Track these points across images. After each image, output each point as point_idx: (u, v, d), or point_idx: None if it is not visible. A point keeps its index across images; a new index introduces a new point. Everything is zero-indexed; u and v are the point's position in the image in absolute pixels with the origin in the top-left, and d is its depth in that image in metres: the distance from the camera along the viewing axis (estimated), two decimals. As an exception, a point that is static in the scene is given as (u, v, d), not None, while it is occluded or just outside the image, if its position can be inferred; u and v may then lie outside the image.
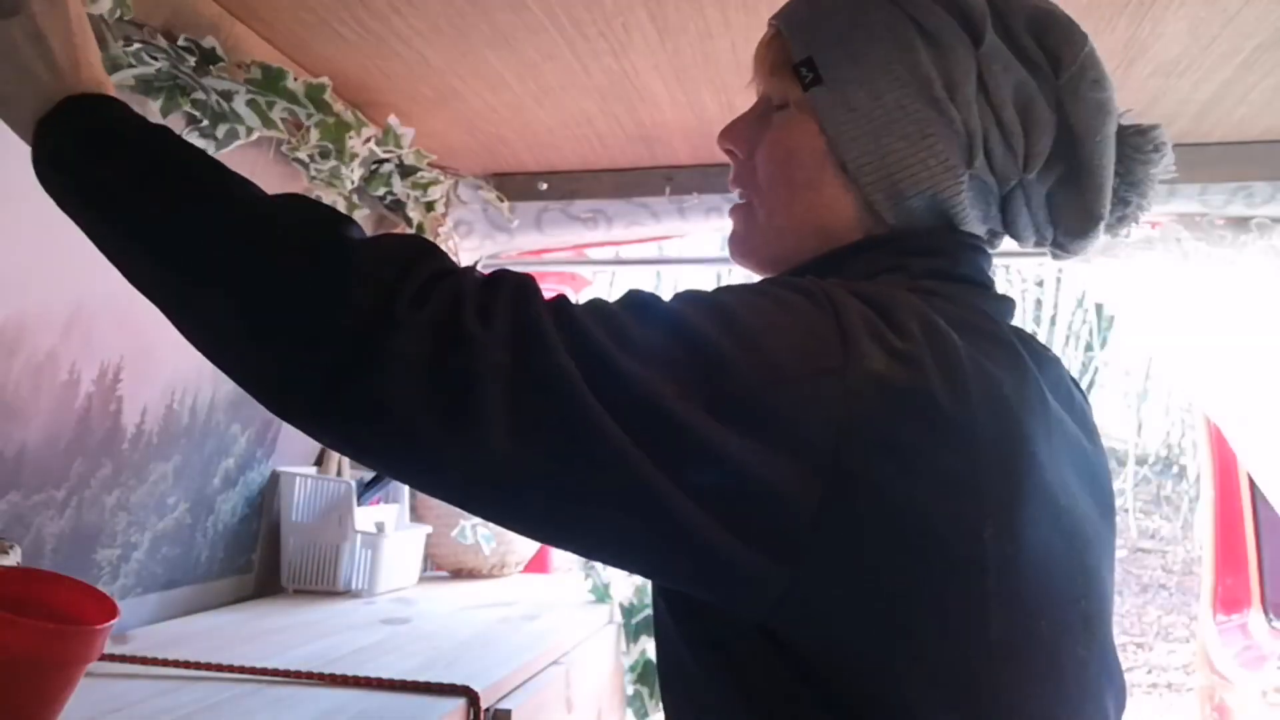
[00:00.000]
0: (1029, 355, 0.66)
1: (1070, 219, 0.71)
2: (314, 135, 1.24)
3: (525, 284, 0.57)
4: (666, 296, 0.60)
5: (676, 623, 0.64)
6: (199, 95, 1.09)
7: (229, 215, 0.58)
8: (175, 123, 1.09)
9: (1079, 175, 0.69)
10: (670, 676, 0.68)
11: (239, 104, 1.12)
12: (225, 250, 0.57)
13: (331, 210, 0.60)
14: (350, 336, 0.53)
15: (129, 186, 0.60)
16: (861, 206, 0.70)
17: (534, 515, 0.57)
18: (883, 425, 0.55)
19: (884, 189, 0.69)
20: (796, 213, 0.72)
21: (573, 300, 0.58)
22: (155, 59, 1.03)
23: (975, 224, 0.71)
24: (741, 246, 0.78)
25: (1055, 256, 0.77)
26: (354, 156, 1.30)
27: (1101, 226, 0.71)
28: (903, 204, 0.69)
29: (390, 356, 0.53)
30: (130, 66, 0.96)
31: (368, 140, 1.31)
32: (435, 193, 1.62)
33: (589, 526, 0.56)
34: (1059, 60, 0.68)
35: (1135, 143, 0.72)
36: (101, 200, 0.61)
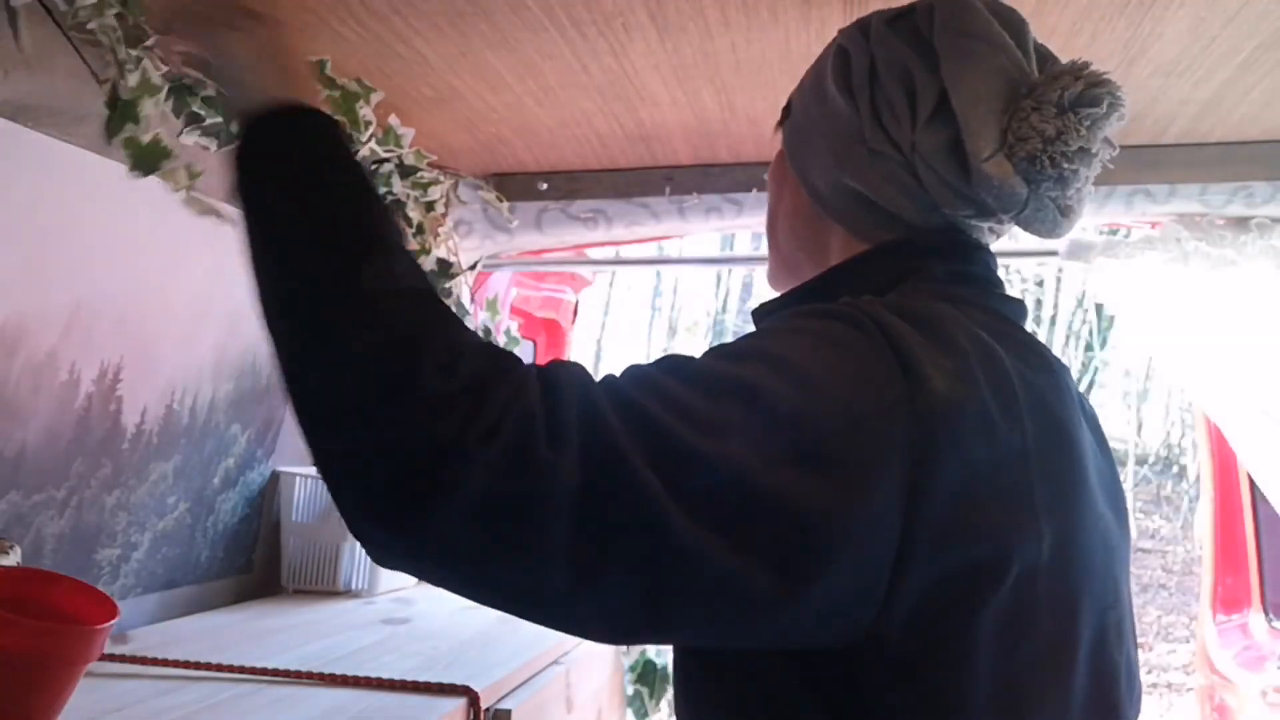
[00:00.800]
0: (1054, 360, 0.69)
1: (964, 170, 0.70)
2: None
3: (586, 387, 0.55)
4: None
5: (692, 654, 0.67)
6: (207, 92, 1.09)
7: (347, 288, 0.57)
8: (181, 123, 1.09)
9: (958, 125, 0.69)
10: (679, 681, 0.69)
11: None
12: (326, 324, 0.56)
13: (434, 323, 0.57)
14: (419, 467, 0.51)
15: (287, 215, 0.61)
16: (811, 199, 0.79)
17: (613, 631, 0.57)
18: (948, 446, 0.56)
19: (810, 175, 0.79)
20: (780, 215, 0.84)
21: (618, 378, 0.58)
22: (165, 63, 1.03)
23: (900, 200, 0.73)
24: (768, 271, 0.88)
25: (1028, 230, 0.76)
26: (368, 125, 1.31)
27: (989, 169, 0.68)
28: (825, 185, 0.77)
29: (459, 491, 0.51)
30: (131, 71, 0.96)
31: (376, 108, 1.31)
32: (435, 193, 1.62)
33: (676, 627, 0.56)
34: (933, 26, 0.73)
35: (1024, 105, 0.69)
36: (261, 214, 0.62)
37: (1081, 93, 0.67)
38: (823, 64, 0.80)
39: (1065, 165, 0.68)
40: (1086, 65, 0.69)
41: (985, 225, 0.75)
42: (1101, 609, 0.65)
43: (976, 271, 0.73)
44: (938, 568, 0.55)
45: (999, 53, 0.70)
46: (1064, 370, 0.71)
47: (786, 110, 0.84)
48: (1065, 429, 0.63)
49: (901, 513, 0.54)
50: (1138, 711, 0.70)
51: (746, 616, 0.53)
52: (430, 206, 1.64)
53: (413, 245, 1.67)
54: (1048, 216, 0.71)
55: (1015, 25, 0.74)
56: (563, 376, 0.56)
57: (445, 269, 1.69)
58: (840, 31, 0.81)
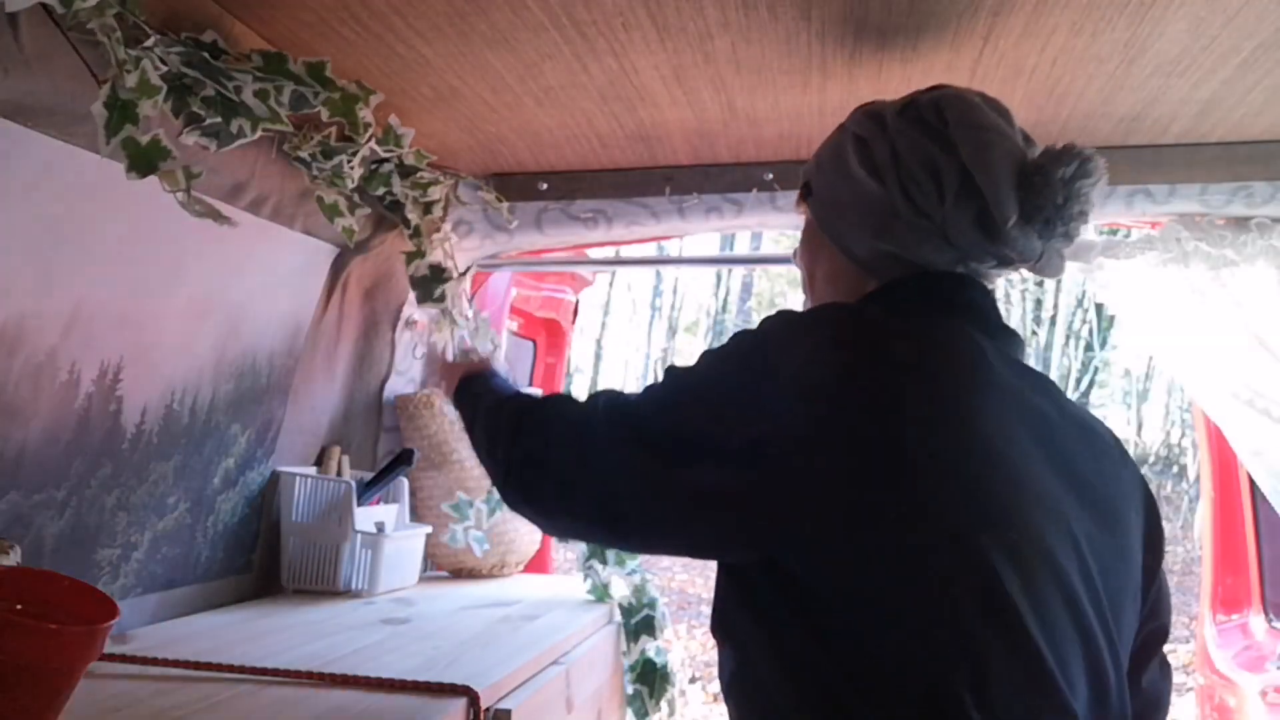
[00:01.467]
0: (994, 353, 0.84)
1: (991, 234, 0.87)
2: (324, 114, 1.24)
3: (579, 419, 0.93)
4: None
5: (723, 570, 0.86)
6: (207, 93, 1.09)
7: (486, 428, 1.07)
8: (180, 123, 1.09)
9: (983, 198, 0.86)
10: (715, 624, 0.87)
11: (247, 95, 1.12)
12: (483, 439, 1.08)
13: (510, 421, 1.00)
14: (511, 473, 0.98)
15: (471, 413, 1.16)
16: (849, 261, 0.95)
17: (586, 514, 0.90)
18: (797, 405, 0.77)
19: (848, 244, 0.95)
20: (818, 276, 1.01)
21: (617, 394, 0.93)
22: (165, 63, 1.03)
23: (933, 256, 0.90)
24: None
25: (1037, 273, 0.95)
26: (367, 126, 1.31)
27: (1011, 231, 0.86)
28: (864, 250, 0.93)
29: (528, 481, 0.96)
30: (130, 71, 0.96)
31: (376, 109, 1.31)
32: (435, 193, 1.62)
33: (614, 494, 0.86)
34: (946, 121, 0.89)
35: (1036, 181, 0.86)
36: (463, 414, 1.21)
37: (1078, 168, 0.85)
38: (841, 148, 0.96)
39: (1072, 225, 0.88)
40: (1074, 146, 0.87)
41: (997, 271, 0.93)
42: (1007, 551, 0.73)
43: (960, 302, 0.89)
44: (805, 491, 0.75)
45: (1005, 139, 0.88)
46: (1029, 372, 0.86)
47: (807, 188, 1.01)
48: (956, 379, 0.79)
49: (765, 447, 0.76)
50: (1096, 671, 0.75)
51: (652, 494, 0.83)
52: (429, 208, 1.64)
53: (409, 248, 1.68)
54: (1054, 262, 0.92)
55: (1006, 113, 0.92)
56: (562, 414, 0.96)
57: (438, 273, 1.70)
58: (850, 119, 0.98)
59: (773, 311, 0.89)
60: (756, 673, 0.80)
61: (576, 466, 0.89)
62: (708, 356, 0.86)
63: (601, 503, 0.87)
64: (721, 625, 0.85)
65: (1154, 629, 0.90)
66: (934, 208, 0.88)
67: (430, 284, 1.70)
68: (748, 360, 0.83)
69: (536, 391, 1.25)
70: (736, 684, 0.83)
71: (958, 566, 0.72)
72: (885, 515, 0.73)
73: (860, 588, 0.73)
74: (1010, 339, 0.90)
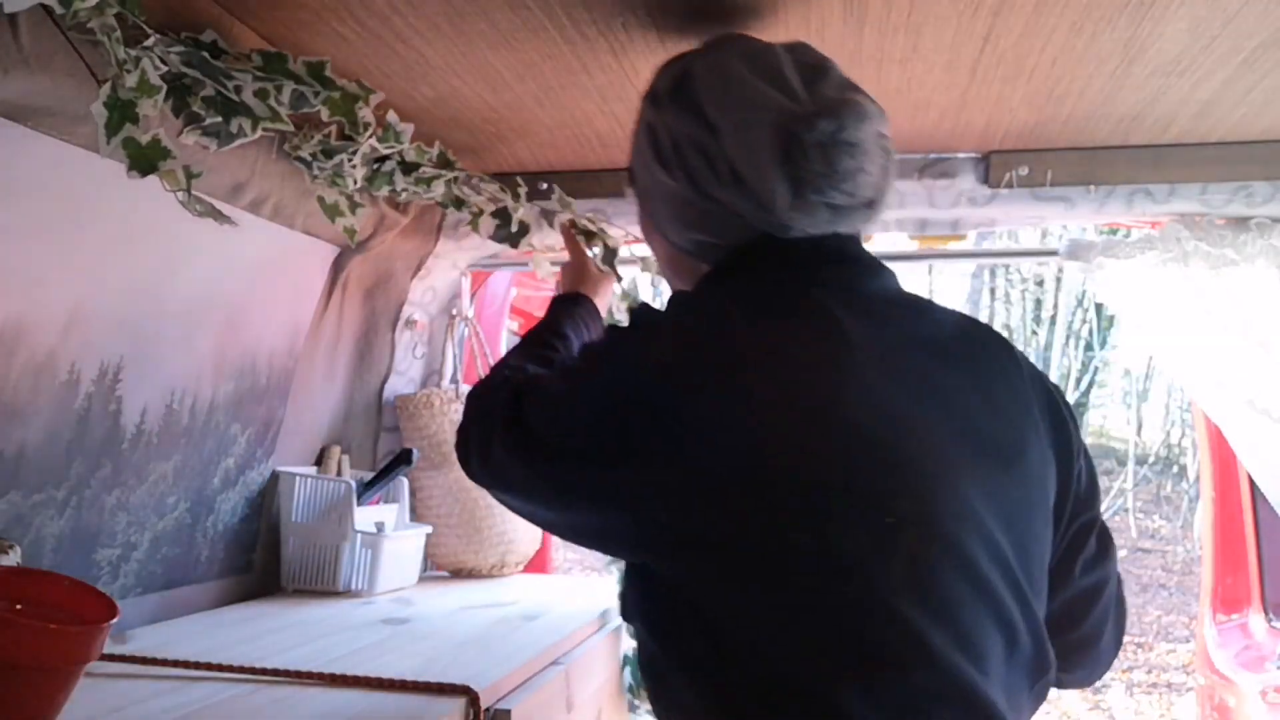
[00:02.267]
0: (851, 314, 0.80)
1: (775, 215, 0.83)
2: (324, 113, 1.24)
3: (495, 426, 0.91)
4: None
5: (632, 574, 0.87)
6: (207, 92, 1.09)
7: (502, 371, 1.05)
8: (180, 123, 1.09)
9: (747, 179, 0.83)
10: (622, 610, 0.88)
11: (247, 95, 1.12)
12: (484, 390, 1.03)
13: (501, 392, 0.93)
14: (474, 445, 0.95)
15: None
16: (675, 249, 0.96)
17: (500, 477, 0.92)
18: (676, 399, 0.76)
19: (667, 234, 0.96)
20: (664, 268, 1.04)
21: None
22: (165, 63, 1.03)
23: (742, 235, 0.87)
24: None
25: (848, 226, 0.89)
26: (367, 126, 1.30)
27: (791, 214, 0.82)
28: (681, 240, 0.94)
29: (485, 448, 0.92)
30: (130, 71, 0.96)
31: (376, 108, 1.31)
32: (437, 188, 1.61)
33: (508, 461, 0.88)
34: (702, 101, 0.87)
35: (794, 154, 0.81)
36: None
37: (837, 126, 0.79)
38: (639, 136, 0.96)
39: (845, 184, 0.81)
40: (826, 99, 0.82)
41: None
42: (881, 536, 0.71)
43: (801, 261, 0.85)
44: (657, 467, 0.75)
45: (764, 111, 0.82)
46: (880, 339, 0.80)
47: (632, 174, 1.01)
48: (817, 390, 0.75)
49: (629, 447, 0.76)
50: (1008, 635, 0.75)
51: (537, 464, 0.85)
52: (452, 181, 1.62)
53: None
54: (858, 214, 0.85)
55: (772, 68, 0.85)
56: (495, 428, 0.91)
57: (503, 215, 1.68)
58: (643, 99, 0.98)
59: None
60: (656, 659, 0.81)
61: (484, 454, 0.91)
62: (585, 352, 0.90)
63: (500, 487, 0.92)
64: (626, 612, 0.86)
65: (1083, 523, 0.89)
66: (720, 193, 0.85)
67: (504, 227, 1.70)
68: (616, 358, 0.85)
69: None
70: (645, 668, 0.84)
71: (825, 563, 0.71)
72: (747, 513, 0.72)
73: (735, 590, 0.73)
74: (874, 275, 0.86)
